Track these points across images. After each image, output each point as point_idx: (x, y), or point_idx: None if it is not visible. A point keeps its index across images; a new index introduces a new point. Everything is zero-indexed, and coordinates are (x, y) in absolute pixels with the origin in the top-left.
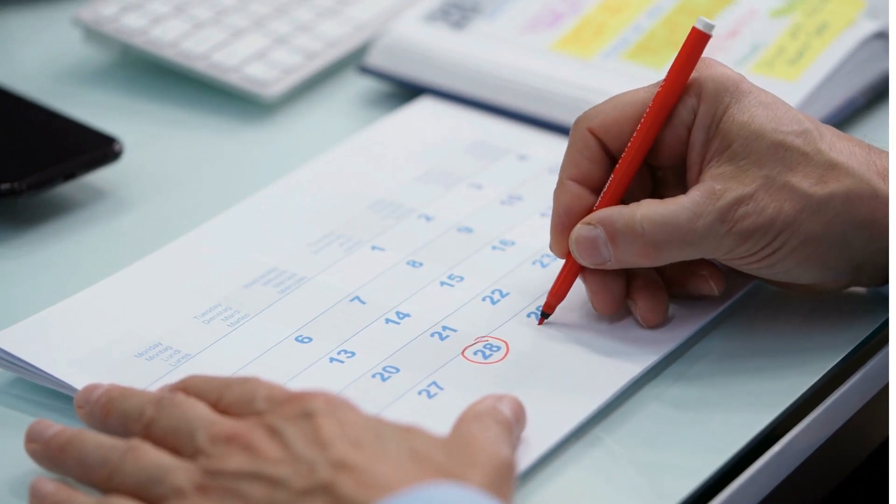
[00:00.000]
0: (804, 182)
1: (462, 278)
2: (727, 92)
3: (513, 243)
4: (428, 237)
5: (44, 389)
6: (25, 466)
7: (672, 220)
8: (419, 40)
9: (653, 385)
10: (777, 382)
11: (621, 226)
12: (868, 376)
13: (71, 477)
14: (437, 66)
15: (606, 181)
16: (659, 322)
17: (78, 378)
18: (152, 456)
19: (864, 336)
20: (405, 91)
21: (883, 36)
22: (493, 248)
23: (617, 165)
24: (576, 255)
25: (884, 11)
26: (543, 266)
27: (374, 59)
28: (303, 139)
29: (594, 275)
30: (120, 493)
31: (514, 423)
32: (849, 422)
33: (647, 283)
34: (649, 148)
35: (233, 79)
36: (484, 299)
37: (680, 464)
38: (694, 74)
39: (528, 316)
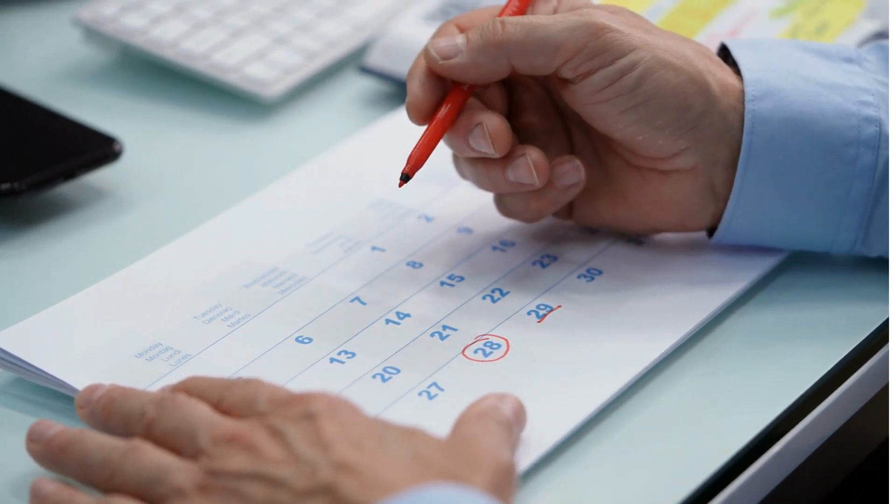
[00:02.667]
0: (654, 30)
1: (462, 278)
2: None
3: (513, 244)
4: (428, 237)
5: (44, 389)
6: (26, 467)
7: (532, 19)
8: (419, 40)
9: (652, 385)
10: (777, 382)
11: (480, 26)
12: (868, 376)
13: (72, 477)
14: None
15: None
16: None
17: (78, 378)
18: (153, 456)
19: (864, 336)
20: (405, 91)
21: (883, 36)
22: (493, 248)
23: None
24: (429, 46)
25: (884, 11)
26: (544, 266)
27: (374, 59)
28: (303, 139)
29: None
30: (121, 493)
31: (514, 422)
32: (849, 422)
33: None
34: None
35: (233, 79)
36: (484, 298)
37: (680, 463)
38: None
39: (529, 314)
